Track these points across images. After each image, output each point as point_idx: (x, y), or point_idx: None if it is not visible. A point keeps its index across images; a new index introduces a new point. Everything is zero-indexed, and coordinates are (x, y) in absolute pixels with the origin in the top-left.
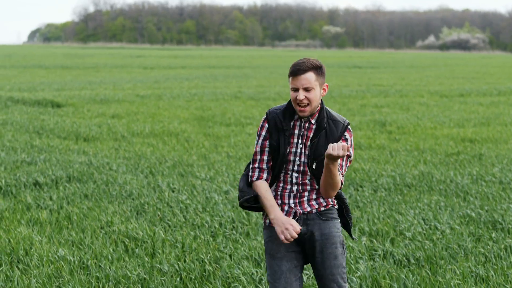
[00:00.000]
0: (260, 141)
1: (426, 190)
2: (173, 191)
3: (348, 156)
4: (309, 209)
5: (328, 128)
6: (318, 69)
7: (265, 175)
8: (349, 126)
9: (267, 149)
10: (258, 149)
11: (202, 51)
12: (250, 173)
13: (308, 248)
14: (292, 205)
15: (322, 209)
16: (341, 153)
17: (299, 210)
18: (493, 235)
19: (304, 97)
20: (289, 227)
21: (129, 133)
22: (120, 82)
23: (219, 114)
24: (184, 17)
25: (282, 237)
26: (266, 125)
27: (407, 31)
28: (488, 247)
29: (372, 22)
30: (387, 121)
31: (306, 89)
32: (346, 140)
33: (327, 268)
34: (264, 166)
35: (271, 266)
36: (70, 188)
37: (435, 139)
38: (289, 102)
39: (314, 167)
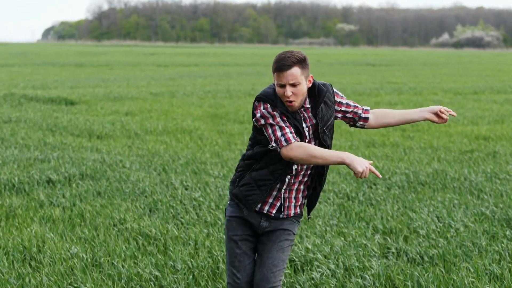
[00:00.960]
0: (278, 118)
1: (440, 188)
2: (186, 189)
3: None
4: (291, 213)
5: (324, 103)
6: (302, 62)
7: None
8: (333, 88)
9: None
10: (279, 120)
11: (216, 49)
12: (281, 139)
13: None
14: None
15: (294, 213)
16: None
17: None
18: (507, 233)
19: (291, 93)
20: (368, 166)
21: (143, 131)
22: (133, 79)
23: (232, 111)
24: (198, 14)
25: (362, 173)
26: (276, 113)
27: (421, 29)
28: (503, 245)
29: (386, 20)
30: None
31: (293, 85)
32: (344, 102)
33: (272, 258)
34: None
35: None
36: (83, 185)
37: (449, 137)
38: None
39: (326, 132)
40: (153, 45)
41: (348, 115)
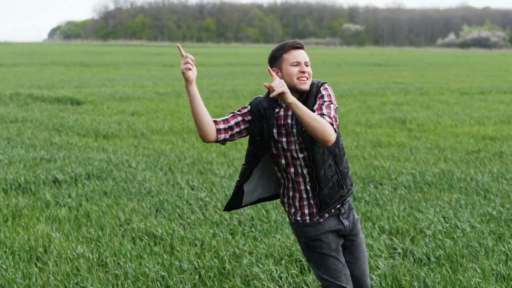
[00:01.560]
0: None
1: (446, 188)
2: (192, 189)
3: (330, 103)
4: None
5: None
6: None
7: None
8: (325, 85)
9: (239, 118)
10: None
11: (222, 49)
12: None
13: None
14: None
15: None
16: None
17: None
18: None
19: (307, 72)
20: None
21: (149, 131)
22: (139, 79)
23: None
24: (204, 14)
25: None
26: (249, 107)
27: (427, 29)
28: (509, 245)
29: (392, 20)
30: (407, 118)
31: (306, 64)
32: (322, 96)
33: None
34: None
35: (327, 264)
36: (89, 185)
37: (456, 137)
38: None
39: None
40: (159, 45)
41: None
